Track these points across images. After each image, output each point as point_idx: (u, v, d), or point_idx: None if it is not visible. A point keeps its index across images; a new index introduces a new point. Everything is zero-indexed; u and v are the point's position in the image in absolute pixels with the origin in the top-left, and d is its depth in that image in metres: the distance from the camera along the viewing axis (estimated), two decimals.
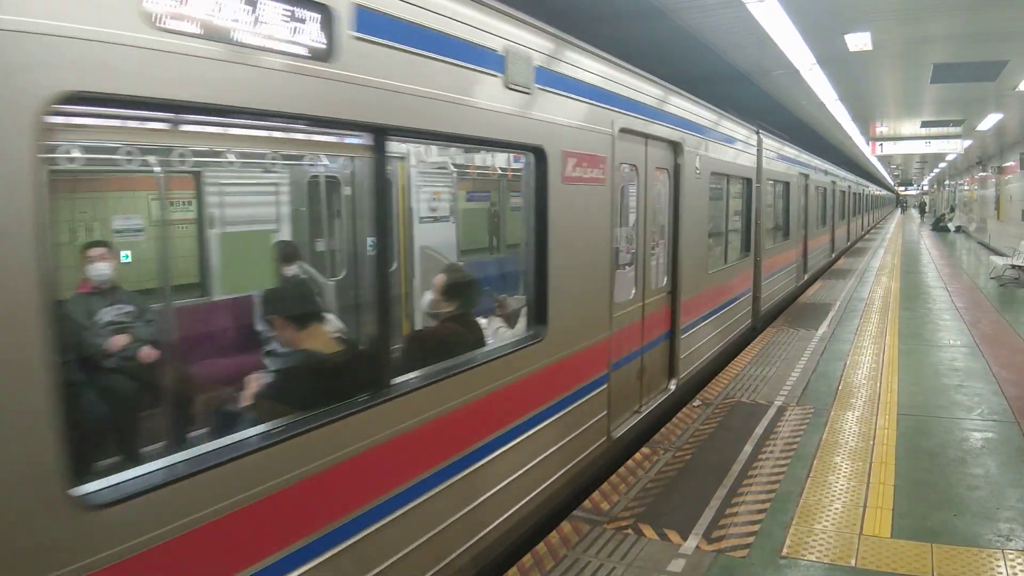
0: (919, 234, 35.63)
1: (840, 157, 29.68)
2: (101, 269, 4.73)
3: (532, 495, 4.31)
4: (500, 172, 8.97)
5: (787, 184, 12.60)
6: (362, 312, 3.42)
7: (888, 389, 7.39)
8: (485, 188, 10.22)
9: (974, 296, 14.15)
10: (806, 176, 15.04)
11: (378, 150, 3.02)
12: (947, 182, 51.70)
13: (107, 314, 4.76)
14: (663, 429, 6.29)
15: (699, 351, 7.68)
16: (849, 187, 26.22)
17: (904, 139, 23.94)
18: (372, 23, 2.88)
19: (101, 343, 4.63)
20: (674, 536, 4.32)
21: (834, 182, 20.73)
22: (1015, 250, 17.76)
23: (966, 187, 39.70)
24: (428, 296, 4.65)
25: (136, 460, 3.22)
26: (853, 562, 3.99)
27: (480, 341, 4.33)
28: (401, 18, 3.06)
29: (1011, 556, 4.01)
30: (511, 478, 4.07)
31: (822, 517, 4.54)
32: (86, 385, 4.29)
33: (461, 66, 3.53)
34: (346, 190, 6.18)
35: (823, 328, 10.72)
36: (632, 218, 6.38)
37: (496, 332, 4.80)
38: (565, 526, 4.50)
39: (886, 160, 38.67)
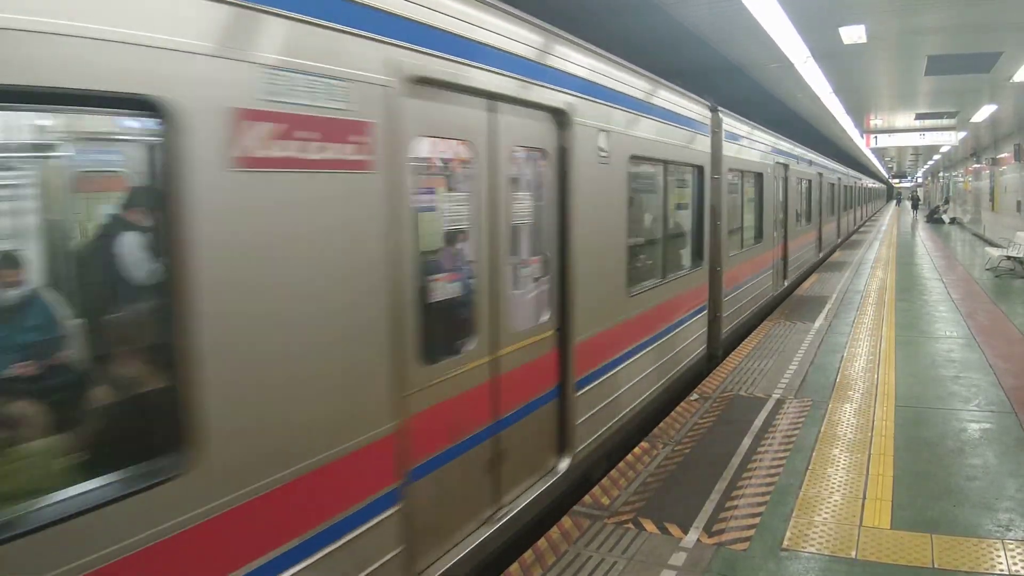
0: (913, 227, 35.69)
1: (835, 150, 29.70)
2: None
3: None
4: None
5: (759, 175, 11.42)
6: None
7: (886, 381, 7.41)
8: None
9: (970, 287, 14.19)
10: (784, 166, 13.51)
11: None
12: (941, 174, 51.84)
13: None
14: (662, 423, 6.30)
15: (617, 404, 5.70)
16: (839, 179, 23.98)
17: (899, 131, 23.99)
18: None
19: None
20: (675, 530, 4.32)
21: (820, 173, 19.06)
22: (1011, 241, 17.81)
23: (960, 179, 39.78)
24: None
25: None
26: (854, 554, 3.99)
27: None
28: None
29: (1011, 546, 4.02)
30: None
31: (822, 509, 4.54)
32: None
33: None
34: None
35: (820, 320, 10.74)
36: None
37: None
38: (566, 521, 4.50)
39: (880, 153, 38.80)
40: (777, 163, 12.56)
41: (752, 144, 10.62)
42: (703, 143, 8.03)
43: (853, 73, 13.39)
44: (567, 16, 6.57)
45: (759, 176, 11.25)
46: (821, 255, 19.55)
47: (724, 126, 8.80)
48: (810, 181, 16.93)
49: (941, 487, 4.85)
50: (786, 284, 13.87)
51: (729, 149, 9.05)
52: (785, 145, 13.52)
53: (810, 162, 17.02)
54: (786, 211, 13.72)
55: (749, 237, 10.96)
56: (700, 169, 8.02)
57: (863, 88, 15.68)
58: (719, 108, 8.71)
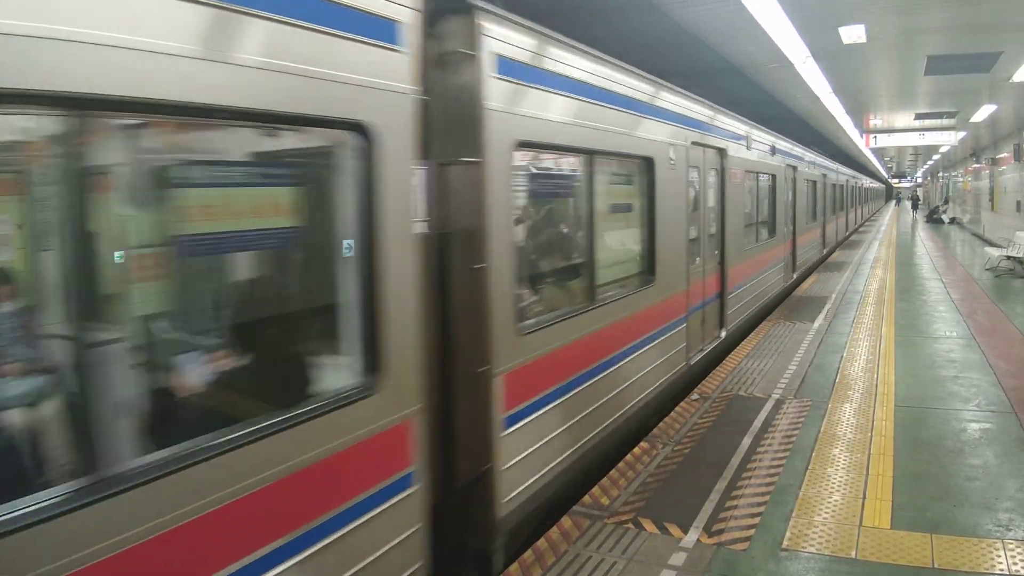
0: (913, 227, 35.68)
1: (834, 150, 29.72)
2: None
3: None
4: None
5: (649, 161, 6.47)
6: None
7: (885, 381, 7.41)
8: None
9: (969, 287, 14.19)
10: (719, 152, 8.74)
11: None
12: (941, 174, 51.86)
13: None
14: (661, 423, 6.30)
15: None
16: (824, 176, 19.06)
17: (898, 131, 23.99)
18: None
19: None
20: (675, 530, 4.32)
21: (793, 167, 13.94)
22: (1010, 241, 17.81)
23: (960, 179, 39.80)
24: None
25: None
26: (854, 554, 3.99)
27: None
28: None
29: (1011, 546, 4.02)
30: None
31: (822, 509, 4.54)
32: None
33: None
34: None
35: (819, 321, 10.74)
36: None
37: None
38: (566, 521, 4.50)
39: (880, 153, 38.80)
40: (697, 145, 7.72)
41: (613, 100, 5.65)
42: (375, 68, 3.23)
43: (853, 73, 13.39)
44: (566, 16, 6.57)
45: (646, 164, 6.43)
46: (796, 275, 14.73)
47: (491, 45, 4.07)
48: (774, 177, 12.22)
49: (941, 487, 4.84)
50: (723, 334, 8.84)
51: (517, 98, 4.36)
52: (710, 115, 8.47)
53: (771, 149, 11.96)
54: (723, 223, 8.91)
55: (617, 276, 6.13)
56: (362, 137, 3.17)
57: (863, 88, 15.68)
58: (480, 3, 4.01)
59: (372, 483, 3.23)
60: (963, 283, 14.79)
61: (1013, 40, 10.68)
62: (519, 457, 4.34)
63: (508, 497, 4.21)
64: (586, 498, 4.82)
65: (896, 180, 77.34)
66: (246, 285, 3.31)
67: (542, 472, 4.59)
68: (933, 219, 39.42)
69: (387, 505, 3.30)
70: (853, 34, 10.03)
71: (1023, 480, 4.90)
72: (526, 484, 4.41)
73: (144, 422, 2.52)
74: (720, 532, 4.28)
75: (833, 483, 4.93)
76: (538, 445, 4.55)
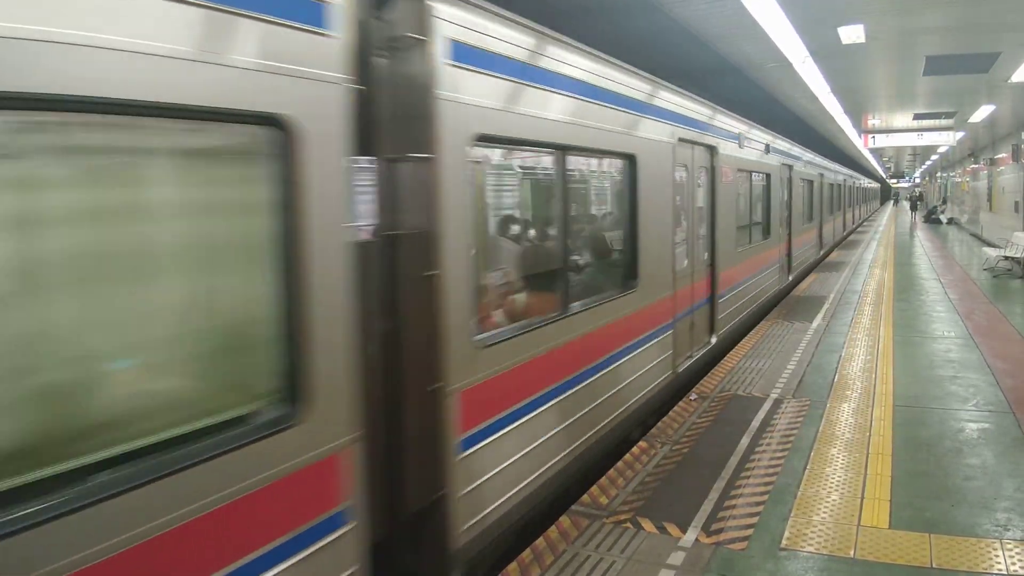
0: (911, 228, 35.70)
1: (833, 149, 29.74)
2: None
3: None
4: None
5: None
6: None
7: (884, 380, 7.41)
8: None
9: (967, 287, 14.20)
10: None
11: None
12: (939, 174, 51.91)
13: None
14: (660, 423, 6.30)
15: None
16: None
17: (897, 131, 24.01)
18: None
19: None
20: (673, 529, 4.32)
21: (790, 166, 12.11)
22: (1008, 241, 17.84)
23: (958, 179, 39.86)
24: None
25: None
26: (852, 553, 3.99)
27: None
28: None
29: (1009, 546, 4.02)
30: None
31: (820, 509, 4.54)
32: None
33: None
34: None
35: (817, 320, 10.74)
36: None
37: None
38: (564, 520, 4.50)
39: (878, 152, 38.84)
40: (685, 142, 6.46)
41: (591, 93, 5.19)
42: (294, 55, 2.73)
43: (851, 73, 13.40)
44: (566, 16, 6.57)
45: (628, 163, 5.97)
46: (793, 276, 13.71)
47: (445, 29, 3.62)
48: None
49: (939, 487, 4.85)
50: (714, 340, 7.85)
51: (476, 87, 3.88)
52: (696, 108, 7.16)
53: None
54: (713, 232, 7.96)
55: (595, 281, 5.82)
56: (279, 131, 2.65)
57: (861, 88, 15.69)
58: None
59: (296, 524, 2.75)
60: (961, 283, 14.80)
61: (1011, 40, 10.69)
62: (479, 481, 3.91)
63: (467, 525, 3.80)
64: (584, 497, 4.82)
65: (894, 180, 77.38)
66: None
67: (506, 496, 4.16)
68: (931, 219, 39.51)
69: (316, 547, 2.83)
70: (852, 34, 10.03)
71: (1021, 480, 4.90)
72: (487, 510, 3.98)
73: None
74: (719, 532, 4.28)
75: (832, 483, 4.93)
76: (502, 467, 4.12)
